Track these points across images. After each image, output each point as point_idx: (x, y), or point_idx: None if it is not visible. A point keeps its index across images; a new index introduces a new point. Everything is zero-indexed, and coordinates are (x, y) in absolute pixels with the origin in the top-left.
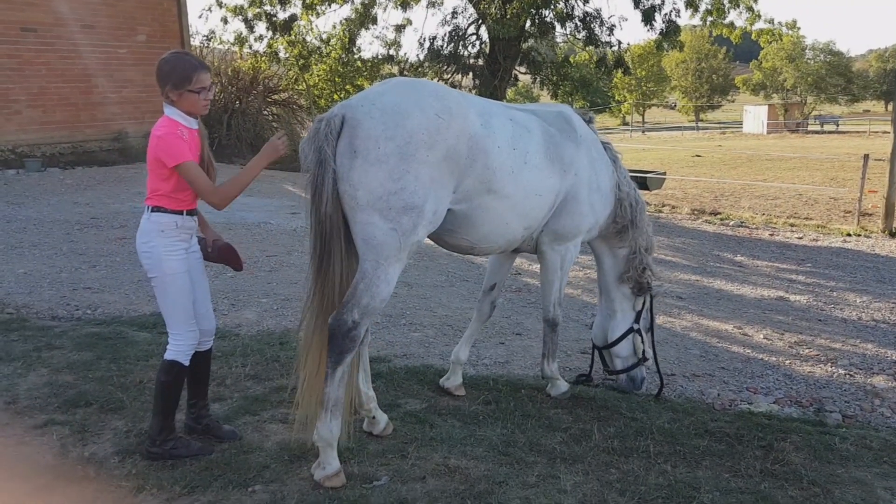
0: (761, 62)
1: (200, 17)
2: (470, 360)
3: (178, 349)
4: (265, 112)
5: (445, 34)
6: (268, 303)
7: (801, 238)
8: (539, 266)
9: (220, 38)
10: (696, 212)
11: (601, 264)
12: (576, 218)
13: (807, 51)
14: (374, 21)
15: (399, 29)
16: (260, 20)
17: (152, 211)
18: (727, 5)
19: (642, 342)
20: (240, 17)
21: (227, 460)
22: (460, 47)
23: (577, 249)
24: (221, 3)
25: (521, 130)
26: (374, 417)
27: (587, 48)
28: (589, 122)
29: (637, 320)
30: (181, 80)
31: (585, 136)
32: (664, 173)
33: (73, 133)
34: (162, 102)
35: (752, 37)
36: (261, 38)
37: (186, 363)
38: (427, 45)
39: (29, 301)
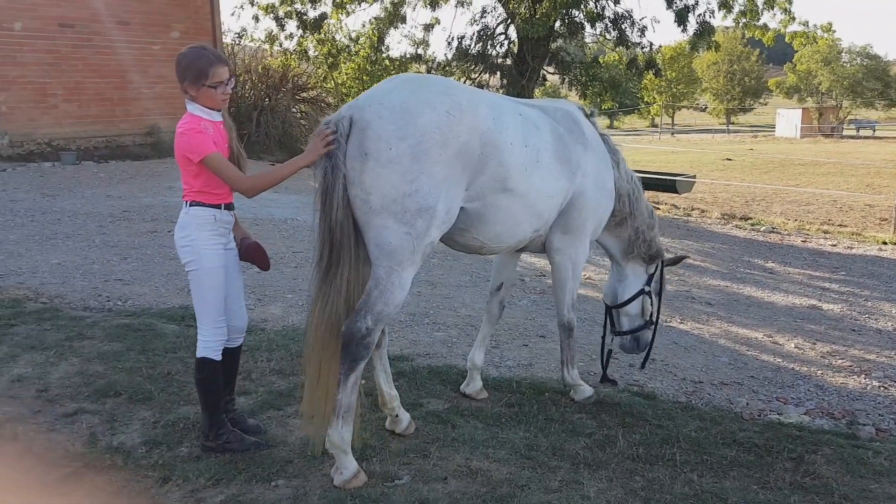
0: (795, 65)
1: (233, 14)
2: (493, 361)
3: (207, 345)
4: (294, 109)
5: (474, 33)
6: (293, 298)
7: (834, 245)
8: (551, 270)
9: (252, 36)
10: (726, 216)
11: (606, 248)
12: (582, 213)
13: (843, 54)
14: (403, 20)
15: (428, 28)
16: (291, 18)
17: (190, 205)
18: (761, 7)
19: (651, 304)
20: (271, 15)
21: (252, 454)
22: (488, 46)
23: (587, 252)
24: (253, 1)
25: (531, 127)
26: (396, 416)
27: (617, 49)
28: (590, 115)
29: (648, 283)
30: (198, 75)
31: (591, 136)
32: (694, 176)
33: (107, 127)
34: None
35: (786, 39)
36: (291, 36)
37: (217, 358)
38: (455, 44)
39: (62, 291)
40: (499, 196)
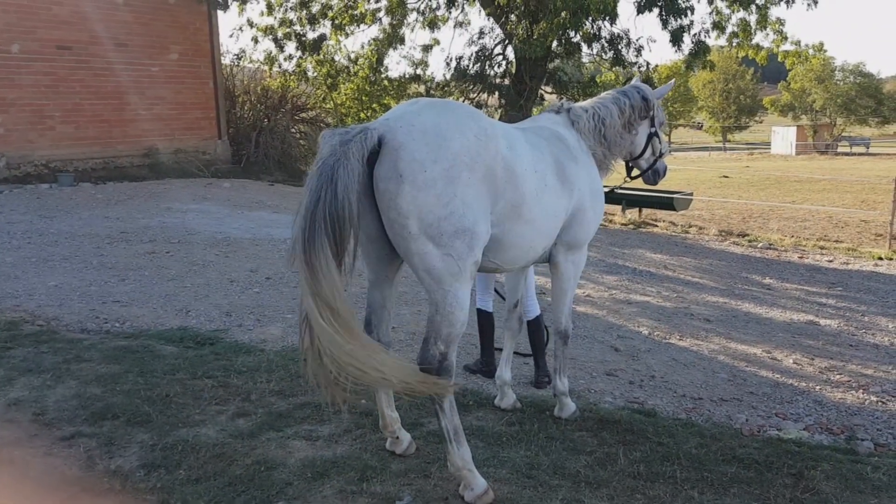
0: (789, 83)
1: (231, 36)
2: (493, 380)
3: None
4: (293, 130)
5: (472, 54)
6: (293, 318)
7: (831, 261)
8: (551, 278)
9: (251, 58)
10: (723, 233)
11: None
12: (585, 227)
13: (836, 72)
14: (402, 41)
15: (426, 49)
16: (290, 40)
17: None
18: (754, 27)
19: (659, 143)
20: (270, 36)
21: (251, 476)
22: (486, 67)
23: (586, 255)
24: (252, 23)
25: (537, 153)
26: (397, 438)
27: (614, 69)
28: (568, 111)
29: (652, 125)
30: None
31: (573, 145)
32: (691, 194)
33: (104, 149)
34: (193, 119)
35: (779, 59)
36: (290, 57)
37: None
38: (454, 64)
39: (59, 313)
40: (514, 223)
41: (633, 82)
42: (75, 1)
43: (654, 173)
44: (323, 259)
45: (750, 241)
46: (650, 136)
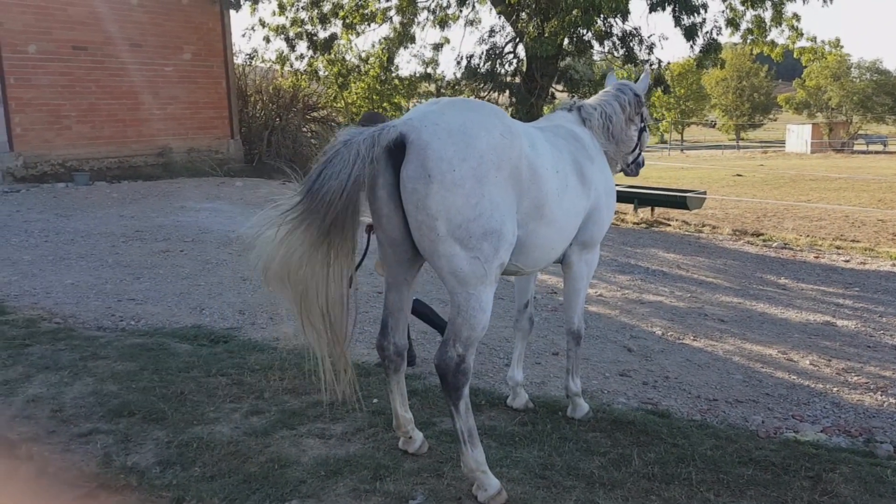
0: (805, 80)
1: (243, 35)
2: (506, 380)
3: None
4: (304, 129)
5: (483, 52)
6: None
7: (847, 261)
8: (563, 279)
9: (263, 57)
10: (737, 232)
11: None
12: (599, 226)
13: (852, 69)
14: (413, 40)
15: (437, 47)
16: (301, 39)
17: None
18: (769, 24)
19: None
20: (282, 36)
21: (265, 474)
22: (497, 65)
23: (598, 255)
24: (264, 22)
25: (557, 153)
26: (410, 437)
27: (626, 66)
28: (579, 109)
29: (642, 119)
30: None
31: (589, 145)
32: (704, 192)
33: (119, 148)
34: (206, 118)
35: (794, 55)
36: (301, 56)
37: None
38: (464, 63)
39: (76, 311)
40: (537, 223)
41: (617, 81)
42: (91, 2)
43: (636, 166)
44: (303, 235)
45: (764, 241)
46: (640, 131)
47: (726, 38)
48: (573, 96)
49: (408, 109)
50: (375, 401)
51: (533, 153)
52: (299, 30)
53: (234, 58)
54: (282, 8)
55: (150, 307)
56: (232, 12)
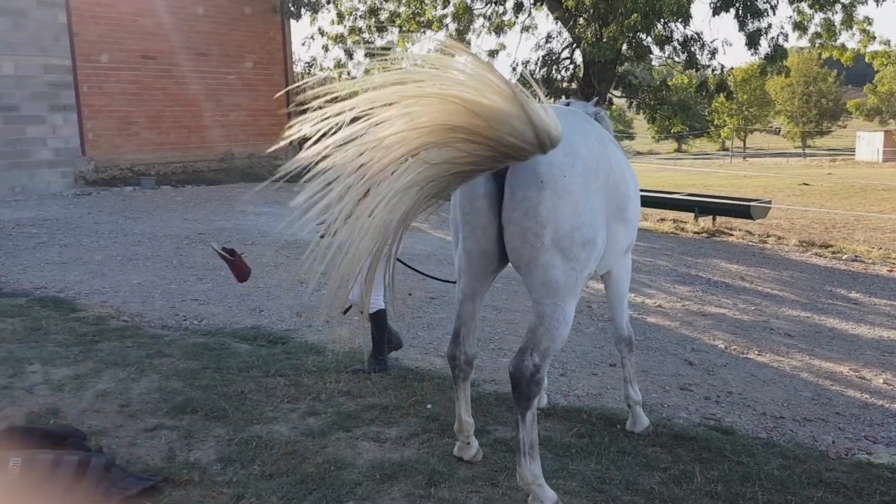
0: (876, 86)
1: (303, 44)
2: (561, 390)
3: None
4: None
5: (539, 58)
6: (360, 321)
7: None
8: (605, 287)
9: (321, 65)
10: (804, 244)
11: None
12: (632, 226)
13: None
14: (468, 47)
15: (492, 54)
16: (359, 47)
17: None
18: (838, 27)
19: None
20: (340, 44)
21: (322, 475)
22: (553, 71)
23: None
24: (323, 31)
25: (622, 152)
26: (468, 443)
27: (687, 72)
28: (598, 116)
29: None
30: None
31: (615, 140)
32: (769, 202)
33: (184, 153)
34: (266, 125)
35: (866, 59)
36: (359, 64)
37: None
38: (520, 69)
39: (142, 310)
40: (617, 225)
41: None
42: (159, 13)
43: None
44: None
45: (834, 253)
46: None
47: (793, 41)
48: (631, 102)
49: None
50: (430, 406)
51: (614, 157)
52: (357, 38)
53: (294, 66)
54: (340, 17)
55: (211, 307)
56: (292, 22)
